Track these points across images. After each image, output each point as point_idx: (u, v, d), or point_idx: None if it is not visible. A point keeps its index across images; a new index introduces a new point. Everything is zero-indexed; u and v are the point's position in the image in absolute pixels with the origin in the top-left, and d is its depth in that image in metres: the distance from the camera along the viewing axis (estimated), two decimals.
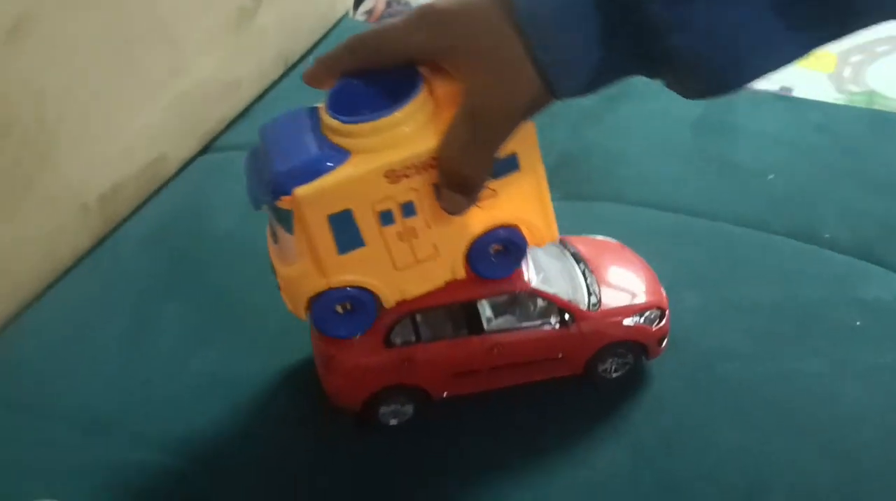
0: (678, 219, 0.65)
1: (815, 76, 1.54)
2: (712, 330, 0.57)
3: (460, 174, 0.42)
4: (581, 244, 0.56)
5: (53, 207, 0.64)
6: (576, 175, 0.71)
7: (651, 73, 0.40)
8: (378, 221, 0.45)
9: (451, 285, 0.49)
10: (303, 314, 0.47)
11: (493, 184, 0.45)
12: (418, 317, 0.49)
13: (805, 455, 0.50)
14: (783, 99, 0.80)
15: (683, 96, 0.40)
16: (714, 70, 0.38)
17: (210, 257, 0.64)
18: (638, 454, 0.50)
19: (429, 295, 0.49)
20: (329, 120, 0.43)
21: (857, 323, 0.56)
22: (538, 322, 0.51)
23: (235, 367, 0.56)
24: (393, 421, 0.52)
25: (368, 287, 0.47)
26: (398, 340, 0.49)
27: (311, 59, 0.88)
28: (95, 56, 0.65)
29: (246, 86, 0.81)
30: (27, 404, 0.55)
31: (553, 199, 0.70)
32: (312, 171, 0.43)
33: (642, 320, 0.52)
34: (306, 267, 0.46)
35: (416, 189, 0.44)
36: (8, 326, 0.61)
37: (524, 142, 0.45)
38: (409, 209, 0.45)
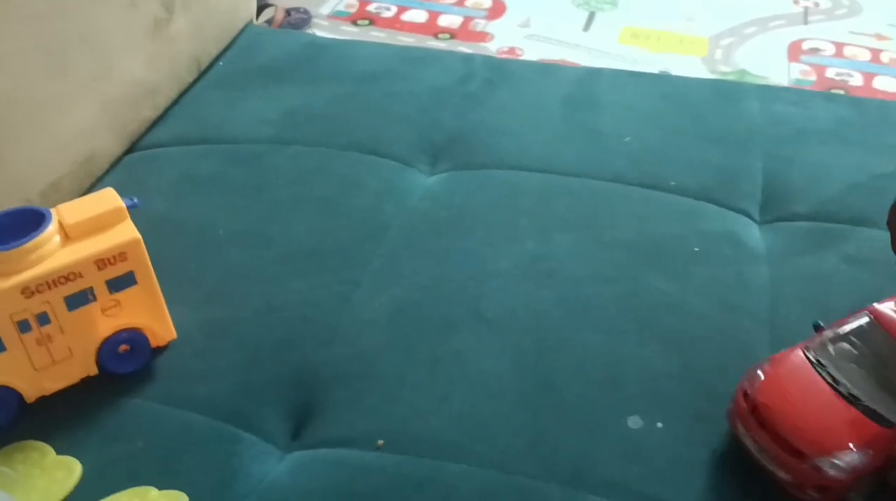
0: (552, 178, 0.81)
1: (689, 60, 1.74)
2: (582, 262, 0.72)
3: None
4: None
5: (0, 201, 0.74)
6: (464, 149, 0.86)
7: None
8: (17, 329, 0.58)
9: None
10: None
11: (115, 296, 0.61)
12: None
13: (654, 350, 0.65)
14: (638, 75, 0.97)
15: None
16: None
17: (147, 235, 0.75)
18: None
19: None
20: None
21: (696, 249, 0.72)
22: None
23: None
24: None
25: (10, 385, 0.60)
26: None
27: (220, 64, 1.00)
28: (31, 63, 0.76)
29: (164, 89, 0.93)
30: None
31: (445, 171, 0.85)
32: None
33: None
34: None
35: (49, 302, 0.59)
36: None
37: (138, 262, 0.61)
38: (43, 319, 0.59)
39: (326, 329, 0.67)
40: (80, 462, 0.58)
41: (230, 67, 0.99)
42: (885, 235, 0.72)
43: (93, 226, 0.60)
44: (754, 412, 0.56)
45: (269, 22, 1.90)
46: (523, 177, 0.81)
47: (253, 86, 0.95)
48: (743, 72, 1.70)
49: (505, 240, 0.74)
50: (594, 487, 0.56)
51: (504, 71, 0.97)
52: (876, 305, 0.57)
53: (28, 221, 0.60)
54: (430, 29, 1.92)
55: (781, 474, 0.55)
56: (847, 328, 0.57)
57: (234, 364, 0.65)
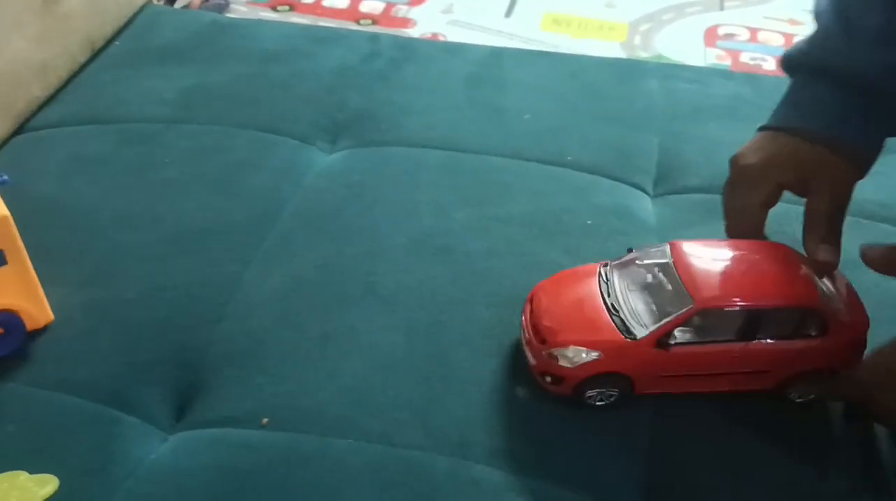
0: (453, 155, 0.81)
1: (609, 45, 1.76)
2: (477, 237, 0.72)
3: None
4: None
5: None
6: (369, 126, 0.85)
7: None
8: None
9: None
10: None
11: None
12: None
13: None
14: (542, 54, 0.98)
15: None
16: None
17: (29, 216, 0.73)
18: None
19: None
20: None
21: (589, 221, 0.73)
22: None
23: None
24: None
25: None
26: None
27: (116, 43, 0.98)
28: None
29: (56, 68, 0.90)
30: None
31: (349, 147, 0.84)
32: None
33: None
34: None
35: None
36: None
37: (8, 240, 0.58)
38: None
39: (215, 308, 0.66)
40: None
41: (127, 46, 0.97)
42: None
43: None
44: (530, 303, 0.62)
45: (186, 7, 1.86)
46: (424, 154, 0.81)
47: (150, 65, 0.93)
48: (660, 56, 1.73)
49: (402, 217, 0.74)
50: (479, 456, 0.56)
51: (410, 50, 0.97)
52: (679, 241, 0.60)
53: None
54: (352, 14, 1.91)
55: (530, 358, 0.60)
56: (649, 254, 0.60)
57: (117, 345, 0.63)
